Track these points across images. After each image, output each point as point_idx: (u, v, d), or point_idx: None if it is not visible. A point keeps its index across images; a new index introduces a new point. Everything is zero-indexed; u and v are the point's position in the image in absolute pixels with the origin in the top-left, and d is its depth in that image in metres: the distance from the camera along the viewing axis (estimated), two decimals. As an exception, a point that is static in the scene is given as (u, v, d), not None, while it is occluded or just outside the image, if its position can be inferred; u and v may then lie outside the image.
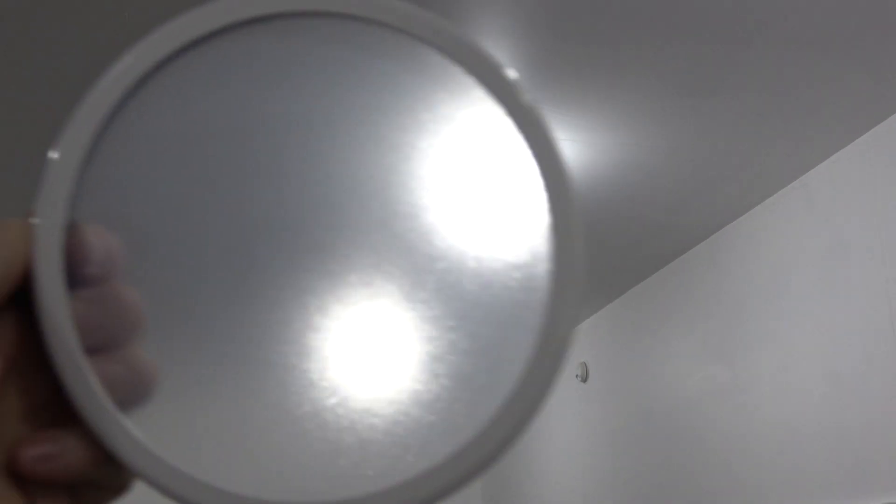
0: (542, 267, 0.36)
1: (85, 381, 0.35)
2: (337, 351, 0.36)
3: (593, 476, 4.06)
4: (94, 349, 0.36)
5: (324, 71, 0.37)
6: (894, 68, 2.15)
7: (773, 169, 2.68)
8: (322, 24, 0.37)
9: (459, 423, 0.35)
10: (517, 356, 0.35)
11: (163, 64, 0.37)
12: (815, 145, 2.53)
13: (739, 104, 2.31)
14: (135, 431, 0.35)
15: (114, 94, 0.37)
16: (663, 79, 2.20)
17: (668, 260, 3.44)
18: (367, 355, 0.36)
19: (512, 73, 0.39)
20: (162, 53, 0.37)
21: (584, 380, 4.13)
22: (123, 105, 0.37)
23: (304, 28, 0.37)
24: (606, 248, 3.29)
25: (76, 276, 0.36)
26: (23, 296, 0.37)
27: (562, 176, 0.37)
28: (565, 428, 4.36)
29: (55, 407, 0.37)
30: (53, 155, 0.36)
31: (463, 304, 0.36)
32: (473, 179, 0.37)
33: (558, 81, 2.21)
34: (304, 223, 0.37)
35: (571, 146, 2.52)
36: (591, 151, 2.56)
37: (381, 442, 0.35)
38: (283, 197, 0.37)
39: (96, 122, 0.36)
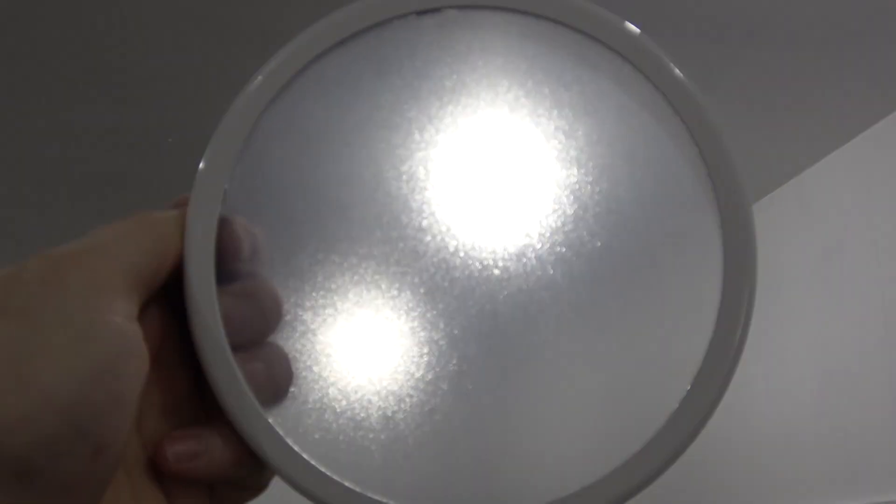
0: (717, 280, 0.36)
1: (233, 378, 0.35)
2: (480, 351, 0.35)
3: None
4: (239, 345, 0.36)
5: (481, 63, 0.36)
6: (889, 69, 2.16)
7: (767, 169, 2.69)
8: (476, 17, 0.37)
9: (634, 434, 0.35)
10: (687, 363, 0.35)
11: (318, 58, 0.37)
12: (809, 146, 2.54)
13: (732, 104, 2.31)
14: (280, 431, 0.35)
15: (271, 89, 0.36)
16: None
17: (659, 258, 3.45)
18: (533, 351, 0.36)
19: (703, 103, 0.38)
20: (319, 48, 0.37)
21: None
22: (278, 98, 0.37)
23: (464, 21, 0.37)
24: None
25: (225, 270, 0.36)
26: (170, 289, 0.36)
27: (739, 193, 0.36)
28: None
29: (195, 404, 0.37)
30: (208, 151, 0.36)
31: (641, 317, 0.36)
32: (636, 177, 0.37)
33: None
34: (439, 224, 0.36)
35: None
36: (586, 151, 2.56)
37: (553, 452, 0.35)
38: (421, 196, 0.36)
39: (252, 117, 0.36)
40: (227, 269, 0.35)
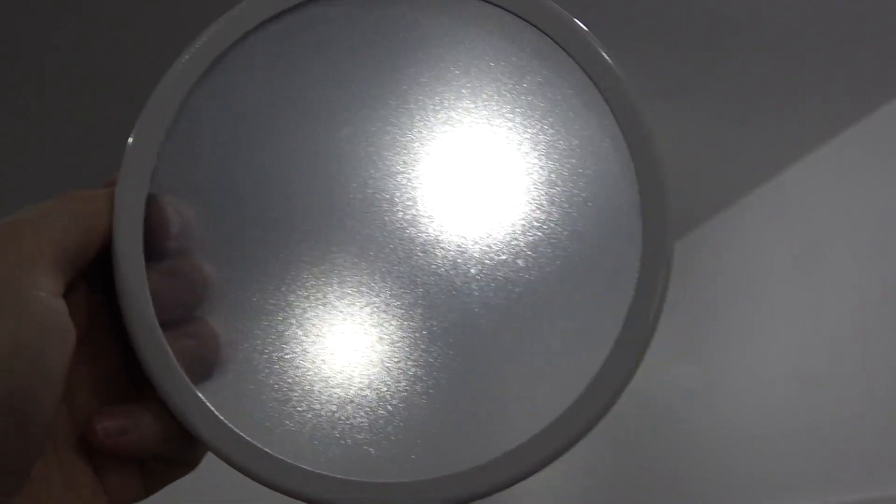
0: (634, 257, 0.36)
1: (163, 354, 0.35)
2: (412, 326, 0.36)
3: (565, 473, 4.07)
4: (168, 322, 0.36)
5: (411, 40, 0.37)
6: (867, 71, 2.18)
7: (746, 169, 2.70)
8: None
9: (554, 401, 0.35)
10: (607, 331, 0.36)
11: (245, 37, 0.37)
12: (788, 146, 2.55)
13: (712, 105, 2.32)
14: (210, 405, 0.35)
15: (199, 65, 0.37)
16: (637, 79, 2.21)
17: (641, 259, 3.45)
18: (444, 326, 0.36)
19: (608, 58, 0.39)
20: (245, 27, 0.37)
21: (556, 378, 4.13)
22: (205, 78, 0.37)
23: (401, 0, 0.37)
24: (580, 246, 3.29)
25: (154, 248, 0.36)
26: (97, 268, 0.36)
27: (657, 166, 0.37)
28: (537, 425, 4.35)
29: (124, 380, 0.37)
30: (136, 129, 0.36)
31: (555, 288, 0.36)
32: (570, 165, 0.37)
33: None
34: (380, 199, 0.36)
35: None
36: (566, 151, 2.56)
37: (472, 422, 0.35)
38: (360, 171, 0.37)
39: (179, 95, 0.36)
40: (157, 246, 0.35)
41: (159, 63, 0.39)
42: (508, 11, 0.37)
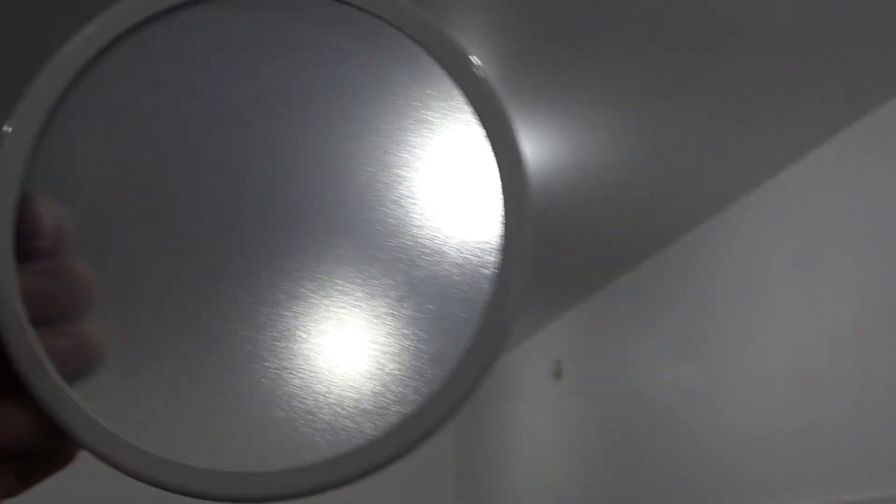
0: (493, 248, 0.37)
1: (31, 351, 0.35)
2: (285, 325, 0.37)
3: (565, 473, 4.08)
4: (42, 321, 0.36)
5: (284, 47, 0.37)
6: (866, 70, 2.18)
7: (746, 169, 2.70)
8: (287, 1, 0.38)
9: (406, 394, 0.36)
10: (463, 332, 0.36)
11: (121, 38, 0.37)
12: (787, 146, 2.55)
13: (712, 104, 2.33)
14: (81, 402, 0.36)
15: (70, 69, 0.37)
16: (638, 79, 2.22)
17: (642, 259, 3.46)
18: (317, 329, 0.37)
19: (477, 63, 0.39)
20: (121, 28, 0.37)
21: (558, 377, 4.15)
22: (79, 79, 0.37)
23: (268, 4, 0.38)
24: (580, 246, 3.30)
25: (26, 248, 0.36)
26: None
27: (518, 168, 0.38)
28: (538, 425, 4.37)
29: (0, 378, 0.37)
30: (7, 128, 0.36)
31: (413, 281, 0.36)
32: (432, 163, 0.38)
33: (533, 80, 2.22)
34: (256, 200, 0.37)
35: (545, 145, 2.53)
36: (564, 150, 2.57)
37: (329, 413, 0.36)
38: (235, 173, 0.37)
39: (52, 95, 0.37)
40: (30, 247, 0.36)
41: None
42: (371, 14, 0.38)
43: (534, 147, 2.53)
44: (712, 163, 2.65)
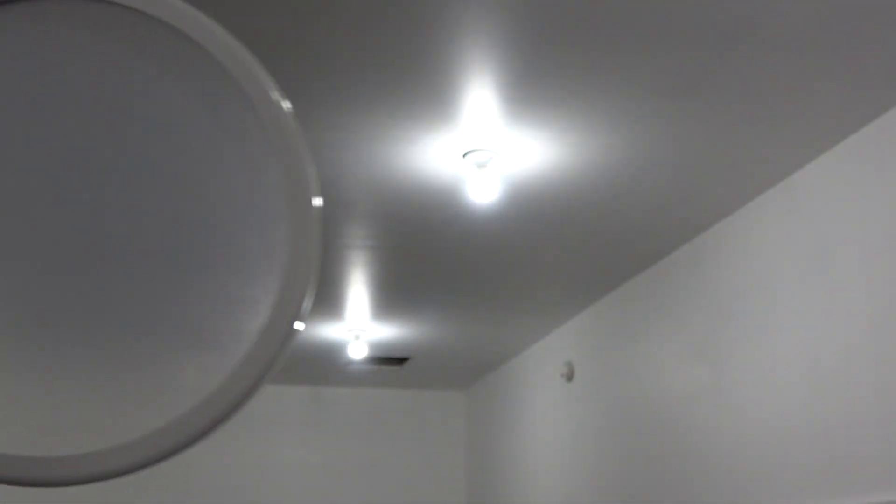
0: (281, 251, 0.37)
1: None
2: (76, 317, 0.37)
3: (577, 474, 4.08)
4: None
5: (73, 54, 0.38)
6: (878, 72, 2.17)
7: (758, 171, 2.69)
8: (76, 8, 0.38)
9: (194, 386, 0.36)
10: (249, 331, 0.37)
11: None
12: (799, 148, 2.55)
13: (725, 106, 2.32)
14: None
15: None
16: (651, 81, 2.22)
17: (653, 261, 3.46)
18: (110, 324, 0.37)
19: (260, 72, 0.39)
20: None
21: (569, 379, 4.14)
22: None
23: (57, 12, 0.38)
24: (592, 247, 3.30)
25: None
26: None
27: (302, 177, 0.38)
28: (550, 426, 4.37)
29: None
30: None
31: (203, 282, 0.37)
32: (223, 170, 0.38)
33: (546, 82, 2.22)
34: (47, 207, 0.38)
35: (556, 147, 2.53)
36: (576, 152, 2.57)
37: (121, 402, 0.36)
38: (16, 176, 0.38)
39: None
40: None
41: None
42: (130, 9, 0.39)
43: (547, 149, 2.53)
44: (725, 165, 2.64)
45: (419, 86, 2.19)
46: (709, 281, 3.13)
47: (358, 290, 3.82)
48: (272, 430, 5.23)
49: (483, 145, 2.52)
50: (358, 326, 4.28)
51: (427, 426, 5.63)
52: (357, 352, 4.45)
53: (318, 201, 0.37)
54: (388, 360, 4.86)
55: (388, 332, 4.37)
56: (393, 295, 3.89)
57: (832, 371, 2.49)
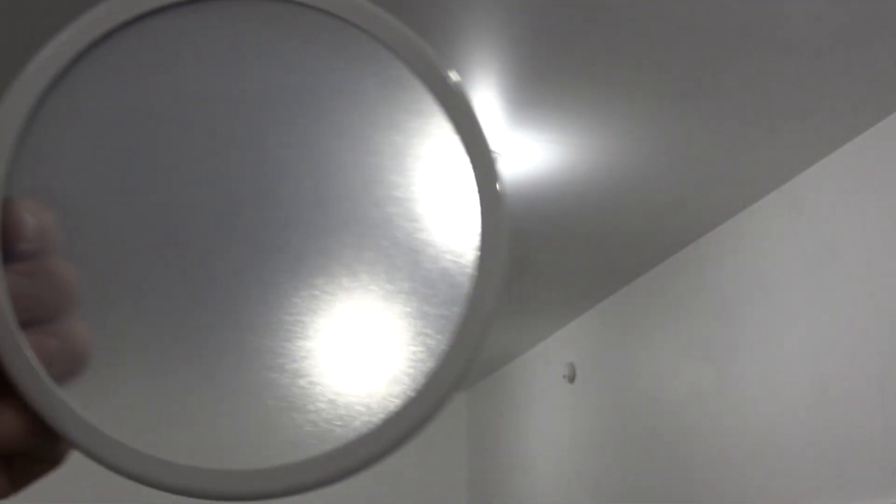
0: (471, 252, 0.37)
1: (19, 353, 0.36)
2: (273, 322, 0.37)
3: (579, 476, 4.07)
4: (29, 322, 0.36)
5: (260, 52, 0.38)
6: (881, 75, 2.17)
7: (760, 174, 2.69)
8: (260, 6, 0.38)
9: (391, 392, 0.36)
10: (445, 329, 0.36)
11: (100, 41, 0.38)
12: (801, 151, 2.54)
13: (726, 109, 2.32)
14: (70, 402, 0.36)
15: (50, 70, 0.37)
16: (654, 85, 2.22)
17: (656, 263, 3.45)
18: (303, 331, 0.37)
19: (449, 69, 0.39)
20: (99, 31, 0.38)
21: (572, 380, 4.14)
22: (60, 81, 0.37)
23: (244, 10, 0.38)
24: (594, 250, 3.30)
25: (9, 250, 0.36)
26: None
27: (491, 172, 0.38)
28: (552, 428, 4.37)
29: None
30: None
31: (392, 283, 0.37)
32: (410, 168, 0.38)
33: (549, 85, 2.22)
34: (239, 202, 0.37)
35: (559, 149, 2.53)
36: (578, 154, 2.57)
37: (321, 410, 0.36)
38: (218, 175, 0.37)
39: (32, 97, 0.37)
40: (14, 249, 0.36)
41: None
42: (333, 15, 0.39)
43: (549, 151, 2.53)
44: (727, 167, 2.64)
45: (422, 88, 2.20)
46: (712, 283, 3.13)
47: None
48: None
49: (486, 147, 2.52)
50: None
51: (429, 427, 5.63)
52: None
53: (507, 199, 0.36)
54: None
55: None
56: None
57: (835, 373, 2.48)
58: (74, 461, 0.41)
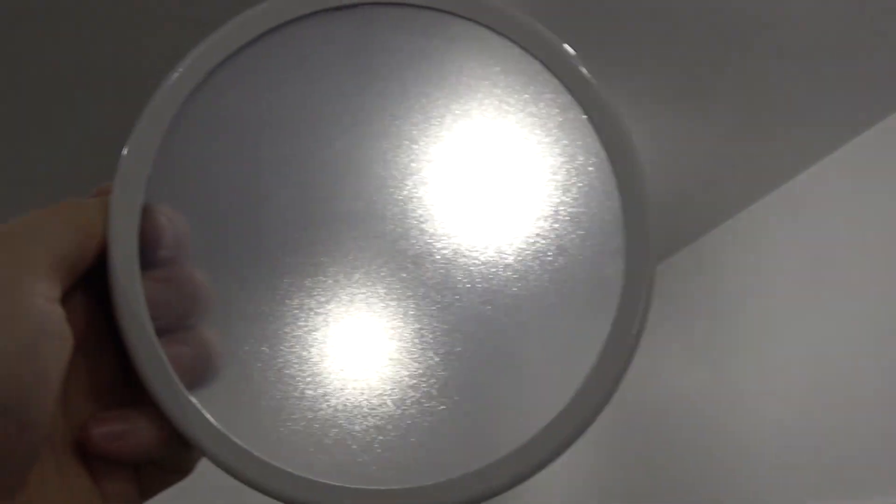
0: (617, 256, 0.37)
1: (158, 361, 0.35)
2: (404, 336, 0.36)
3: (577, 475, 4.07)
4: (162, 330, 0.36)
5: (395, 58, 0.37)
6: (880, 76, 2.17)
7: (759, 175, 2.69)
8: (394, 12, 0.38)
9: (539, 406, 0.36)
10: (593, 341, 0.36)
11: (241, 50, 0.38)
12: (800, 152, 2.54)
13: (724, 110, 2.32)
14: (206, 413, 0.35)
15: (192, 79, 0.37)
16: (653, 85, 2.22)
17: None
18: (442, 339, 0.36)
19: (581, 66, 0.39)
20: (241, 40, 0.38)
21: (570, 382, 4.13)
22: (200, 90, 0.37)
23: (377, 16, 0.38)
24: (593, 251, 3.30)
25: (147, 257, 0.36)
26: (94, 276, 0.37)
27: (637, 174, 0.37)
28: (550, 430, 4.35)
29: (121, 386, 0.38)
30: (132, 139, 0.36)
31: (541, 288, 0.36)
32: (546, 167, 0.37)
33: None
34: (370, 210, 0.37)
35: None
36: (579, 155, 2.57)
37: (464, 424, 0.36)
38: (350, 183, 0.37)
39: (175, 105, 0.37)
40: (151, 255, 0.36)
41: (152, 69, 0.39)
42: (494, 31, 0.38)
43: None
44: (725, 168, 2.64)
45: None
46: (710, 284, 3.13)
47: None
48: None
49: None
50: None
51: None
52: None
53: (653, 208, 0.36)
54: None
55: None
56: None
57: (834, 374, 2.48)
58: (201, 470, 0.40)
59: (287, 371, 0.37)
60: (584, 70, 0.39)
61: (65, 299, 0.35)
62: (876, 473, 2.33)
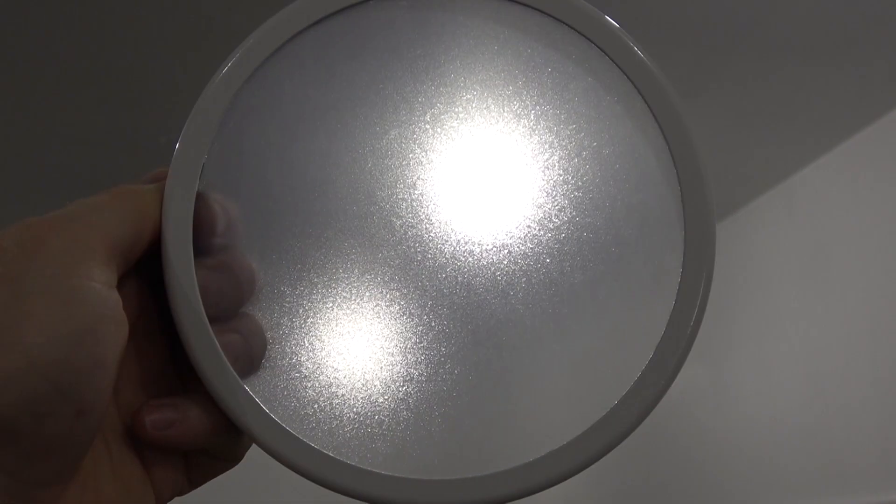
0: (675, 258, 0.37)
1: (211, 348, 0.35)
2: (455, 327, 0.36)
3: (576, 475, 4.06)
4: (214, 317, 0.36)
5: (455, 44, 0.37)
6: (877, 74, 2.18)
7: (756, 172, 2.70)
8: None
9: (593, 403, 0.36)
10: (650, 333, 0.36)
11: (294, 37, 0.37)
12: (796, 150, 2.55)
13: (720, 108, 2.33)
14: (257, 399, 0.35)
15: (247, 67, 0.37)
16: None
17: (650, 262, 3.45)
18: (495, 335, 0.36)
19: (650, 64, 0.39)
20: (295, 28, 0.38)
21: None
22: (254, 77, 0.37)
23: (437, 3, 0.38)
24: (589, 249, 3.30)
25: (201, 244, 0.36)
26: (145, 263, 0.37)
27: (701, 181, 0.37)
28: (545, 428, 4.35)
29: (170, 374, 0.38)
30: (187, 127, 0.36)
31: (597, 290, 0.36)
32: (604, 156, 0.37)
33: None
34: (425, 201, 0.37)
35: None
36: (577, 153, 2.57)
37: (518, 419, 0.36)
38: (406, 173, 0.37)
39: (229, 94, 0.37)
40: (204, 242, 0.36)
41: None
42: (553, 18, 0.38)
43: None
44: (722, 166, 2.65)
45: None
46: (706, 282, 3.13)
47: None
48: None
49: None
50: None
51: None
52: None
53: (713, 201, 0.36)
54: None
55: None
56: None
57: (831, 372, 2.49)
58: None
59: (338, 361, 0.37)
60: (647, 61, 0.39)
61: (118, 286, 0.35)
62: (874, 471, 2.34)
